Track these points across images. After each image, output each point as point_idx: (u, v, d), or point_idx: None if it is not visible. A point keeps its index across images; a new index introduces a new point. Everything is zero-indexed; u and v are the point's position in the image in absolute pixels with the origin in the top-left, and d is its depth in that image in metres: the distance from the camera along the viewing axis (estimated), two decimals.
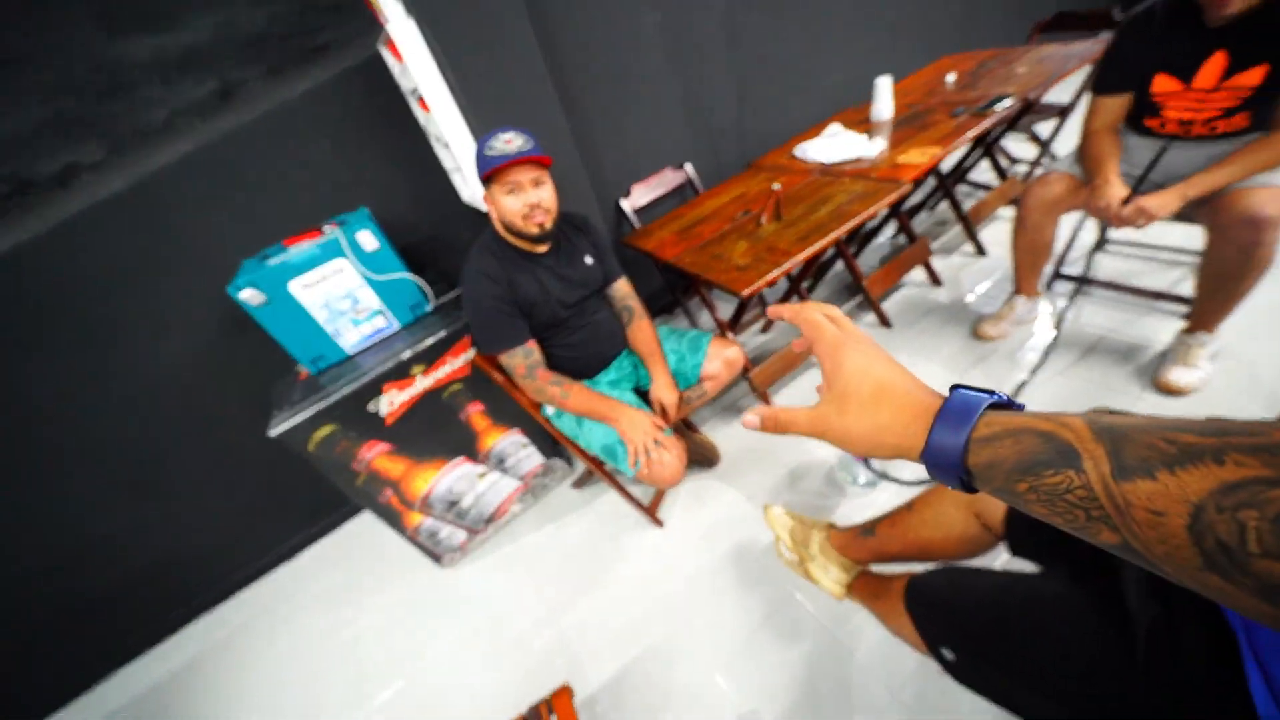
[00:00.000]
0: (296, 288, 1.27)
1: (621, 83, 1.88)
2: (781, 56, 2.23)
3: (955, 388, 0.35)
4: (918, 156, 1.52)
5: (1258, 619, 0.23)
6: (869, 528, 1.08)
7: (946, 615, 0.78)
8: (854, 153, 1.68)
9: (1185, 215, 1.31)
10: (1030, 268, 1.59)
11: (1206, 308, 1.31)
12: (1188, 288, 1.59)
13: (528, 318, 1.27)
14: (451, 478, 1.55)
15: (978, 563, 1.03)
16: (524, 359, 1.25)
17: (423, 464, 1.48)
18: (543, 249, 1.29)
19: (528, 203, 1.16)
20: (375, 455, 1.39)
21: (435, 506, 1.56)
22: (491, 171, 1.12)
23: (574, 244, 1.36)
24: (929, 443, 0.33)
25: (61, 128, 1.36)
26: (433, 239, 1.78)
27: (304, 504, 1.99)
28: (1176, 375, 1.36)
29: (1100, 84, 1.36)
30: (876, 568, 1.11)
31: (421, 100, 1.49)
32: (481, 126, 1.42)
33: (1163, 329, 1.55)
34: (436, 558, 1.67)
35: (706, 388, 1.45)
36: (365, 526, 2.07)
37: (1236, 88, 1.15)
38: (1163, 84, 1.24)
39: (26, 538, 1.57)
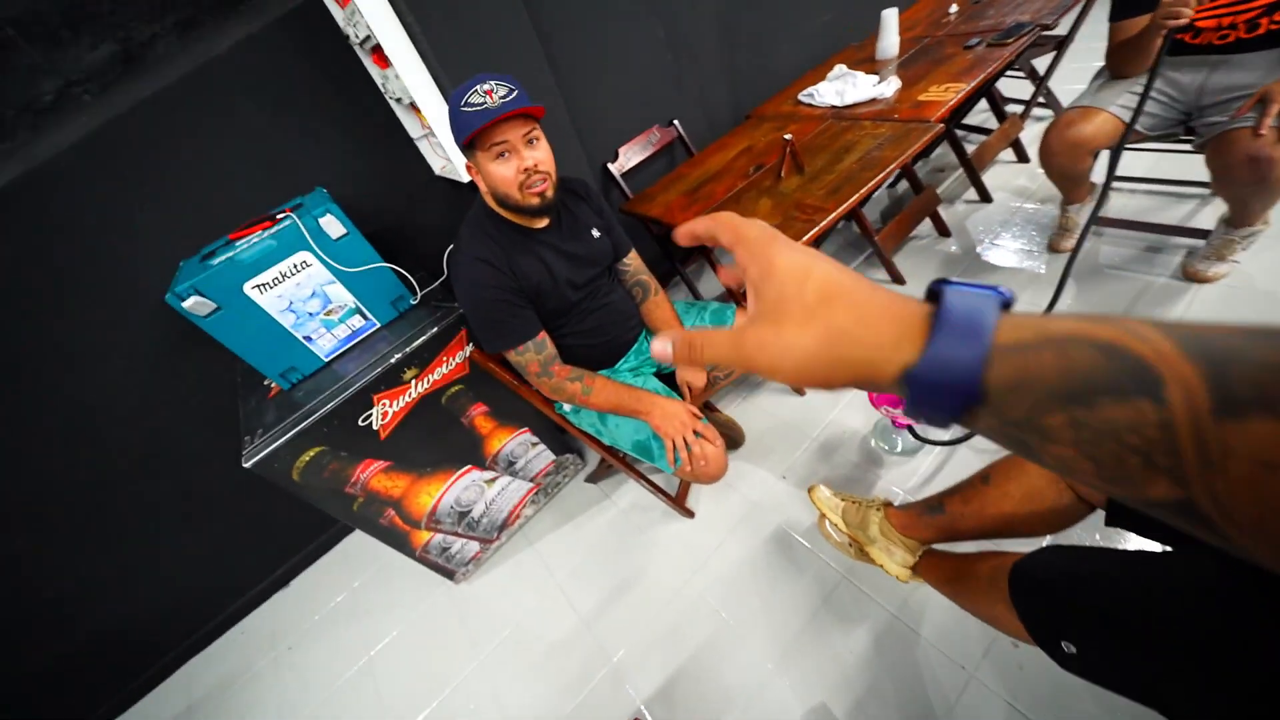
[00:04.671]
0: (252, 289, 1.05)
1: (598, 26, 1.66)
2: None
3: (940, 283, 0.24)
4: (941, 94, 1.39)
5: None
6: (935, 505, 1.00)
7: (1069, 607, 0.69)
8: (867, 94, 1.53)
9: (1198, 147, 1.24)
10: (1073, 186, 1.52)
11: (1241, 213, 1.27)
12: (1203, 219, 1.55)
13: (534, 306, 1.10)
14: (458, 488, 1.40)
15: (1066, 537, 0.97)
16: (536, 354, 1.09)
17: (425, 478, 1.32)
18: (542, 223, 1.11)
19: (522, 167, 0.96)
20: (371, 475, 1.21)
21: (443, 521, 1.41)
22: (473, 134, 0.90)
23: (576, 215, 1.17)
24: (928, 351, 0.23)
25: None
26: (401, 222, 1.56)
27: (290, 525, 1.80)
28: (1207, 267, 1.38)
29: (1119, 8, 1.26)
30: (944, 546, 1.04)
31: (376, 53, 1.25)
32: (453, 80, 1.20)
33: (1174, 262, 1.51)
34: (449, 574, 1.53)
35: None
36: (364, 543, 1.90)
37: None
38: None
39: None
